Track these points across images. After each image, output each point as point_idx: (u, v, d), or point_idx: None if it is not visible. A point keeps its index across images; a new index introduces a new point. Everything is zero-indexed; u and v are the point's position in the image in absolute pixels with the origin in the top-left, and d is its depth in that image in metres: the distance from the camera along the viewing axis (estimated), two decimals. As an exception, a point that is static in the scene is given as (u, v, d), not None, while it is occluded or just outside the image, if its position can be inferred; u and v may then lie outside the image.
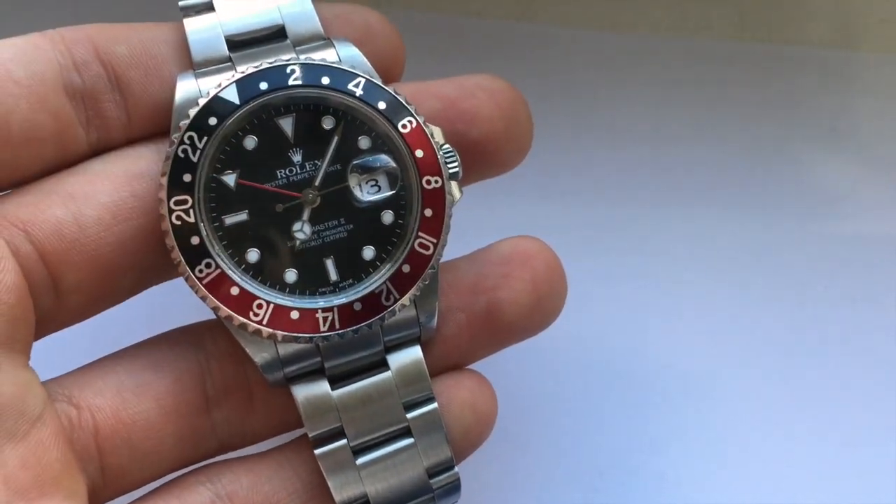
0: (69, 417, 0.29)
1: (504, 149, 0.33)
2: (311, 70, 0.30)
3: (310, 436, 0.30)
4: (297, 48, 0.31)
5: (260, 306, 0.29)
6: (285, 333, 0.29)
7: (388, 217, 0.31)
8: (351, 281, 0.30)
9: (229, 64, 0.31)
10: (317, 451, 0.30)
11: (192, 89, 0.30)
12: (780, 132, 0.48)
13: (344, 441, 0.31)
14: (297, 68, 0.30)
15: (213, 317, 0.30)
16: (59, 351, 0.31)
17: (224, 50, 0.31)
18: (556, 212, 0.46)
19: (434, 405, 0.31)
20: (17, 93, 0.29)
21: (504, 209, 0.39)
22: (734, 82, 0.49)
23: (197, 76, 0.30)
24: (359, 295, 0.30)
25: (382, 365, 0.31)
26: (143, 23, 0.32)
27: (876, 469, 0.40)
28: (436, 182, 0.31)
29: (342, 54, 0.31)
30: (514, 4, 0.51)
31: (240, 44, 0.31)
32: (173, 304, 0.33)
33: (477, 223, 0.35)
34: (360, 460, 0.31)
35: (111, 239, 0.29)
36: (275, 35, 0.32)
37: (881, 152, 0.48)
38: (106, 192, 0.29)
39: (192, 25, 0.31)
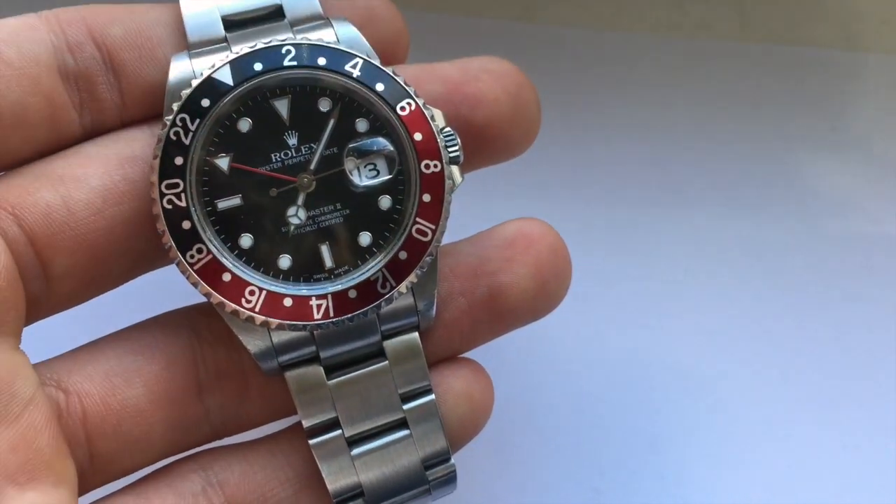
0: (57, 402, 0.29)
1: (510, 133, 0.32)
2: (307, 50, 0.30)
3: (304, 426, 0.30)
4: (295, 28, 0.31)
5: (252, 293, 0.29)
6: (278, 321, 0.29)
7: (385, 202, 0.30)
8: (346, 268, 0.30)
9: (225, 44, 0.30)
10: (311, 441, 0.30)
11: (185, 70, 0.30)
12: (781, 132, 0.48)
13: (339, 431, 0.30)
14: (292, 49, 0.30)
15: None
16: (53, 334, 0.31)
17: (220, 30, 0.31)
18: (555, 211, 0.45)
19: (431, 397, 0.31)
20: (9, 75, 0.28)
21: (502, 208, 0.39)
22: (734, 82, 0.49)
23: (191, 56, 0.30)
24: (354, 282, 0.29)
25: (379, 354, 0.31)
26: (138, 4, 0.31)
27: (876, 469, 0.40)
28: (435, 167, 0.30)
29: (340, 34, 0.31)
30: (514, 4, 0.51)
31: (237, 23, 0.31)
32: (169, 286, 0.32)
33: (475, 217, 0.35)
34: (355, 451, 0.30)
35: (102, 223, 0.29)
36: (272, 14, 0.31)
37: (881, 152, 0.48)
38: (97, 175, 0.29)
39: (189, 4, 0.31)
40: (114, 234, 0.29)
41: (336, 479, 0.30)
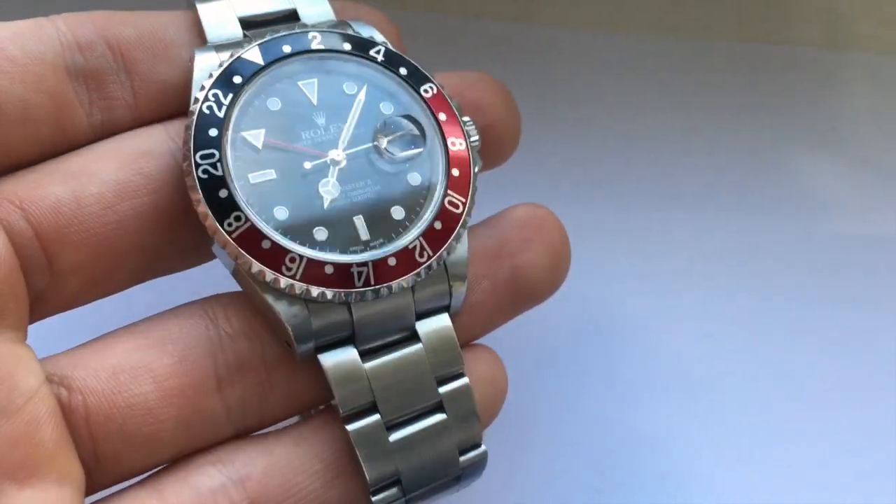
0: (60, 399, 0.28)
1: (503, 138, 0.34)
2: (333, 36, 0.31)
3: (342, 411, 0.29)
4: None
5: (293, 260, 0.28)
6: (320, 289, 0.28)
7: (414, 178, 0.31)
8: (382, 240, 0.30)
9: (247, 40, 0.31)
10: (349, 427, 0.29)
11: (212, 60, 0.30)
12: (780, 132, 0.48)
13: (377, 416, 0.29)
14: (318, 34, 0.31)
15: (227, 291, 0.30)
16: (66, 333, 0.30)
17: (239, 31, 0.31)
18: (555, 211, 0.46)
19: (465, 380, 0.31)
20: (12, 71, 0.28)
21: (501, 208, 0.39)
22: (733, 83, 0.49)
23: (217, 49, 0.30)
24: (393, 250, 0.29)
25: (412, 338, 0.31)
26: (152, 11, 0.31)
27: (876, 469, 0.40)
28: (460, 144, 0.31)
29: (359, 30, 0.32)
30: (513, 5, 0.51)
31: (253, 24, 0.32)
32: (187, 288, 0.32)
33: (477, 219, 0.35)
34: (393, 437, 0.30)
35: (113, 218, 0.29)
36: (288, 18, 0.32)
37: (881, 152, 0.48)
38: (110, 170, 0.29)
39: (206, 9, 0.31)
40: (125, 229, 0.29)
41: (375, 466, 0.29)
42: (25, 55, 0.28)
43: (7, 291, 0.27)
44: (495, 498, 0.39)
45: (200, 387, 0.29)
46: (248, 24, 0.32)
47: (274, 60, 0.30)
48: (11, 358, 0.27)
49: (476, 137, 0.32)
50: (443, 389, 0.30)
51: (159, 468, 0.29)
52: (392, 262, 0.29)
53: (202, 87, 0.29)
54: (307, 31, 0.31)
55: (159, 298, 0.32)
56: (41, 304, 0.29)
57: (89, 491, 0.28)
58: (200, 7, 0.31)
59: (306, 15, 0.32)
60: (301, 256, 0.28)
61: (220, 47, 0.30)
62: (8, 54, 0.28)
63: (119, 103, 0.30)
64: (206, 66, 0.30)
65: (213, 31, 0.31)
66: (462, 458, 0.31)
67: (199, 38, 0.31)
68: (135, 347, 0.29)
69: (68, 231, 0.28)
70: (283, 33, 0.31)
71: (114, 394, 0.28)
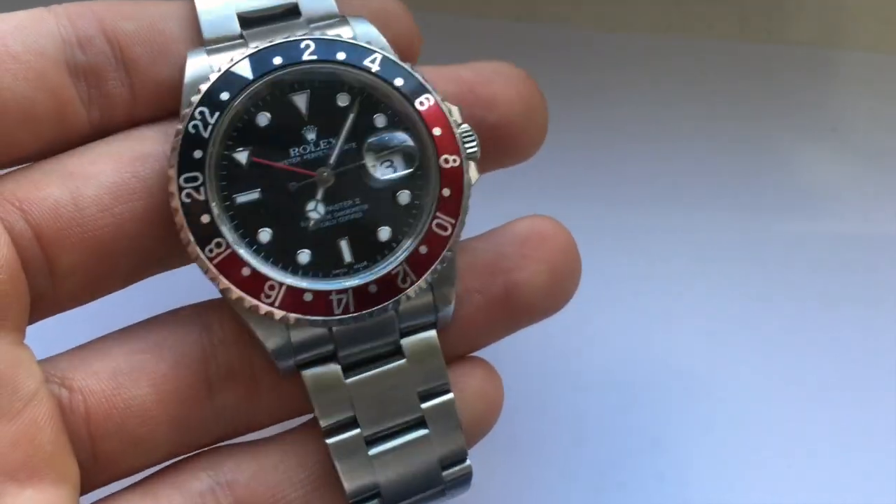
0: (60, 400, 0.28)
1: (521, 136, 0.32)
2: (326, 45, 0.30)
3: (322, 425, 0.29)
4: (311, 26, 0.31)
5: (272, 287, 0.28)
6: (298, 316, 0.28)
7: (404, 197, 0.30)
8: (366, 263, 0.29)
9: (242, 41, 0.30)
10: (329, 441, 0.29)
11: (203, 65, 0.29)
12: (780, 132, 0.48)
13: (357, 431, 0.30)
14: (311, 43, 0.30)
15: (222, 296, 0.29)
16: (63, 332, 0.30)
17: (236, 27, 0.30)
18: (555, 211, 0.46)
19: (450, 395, 0.30)
20: (14, 68, 0.28)
21: (501, 208, 0.39)
22: (734, 82, 0.49)
23: (208, 52, 0.30)
24: (374, 276, 0.29)
25: (397, 353, 0.30)
26: (151, 0, 0.31)
27: (876, 469, 0.40)
28: (454, 161, 0.30)
29: (358, 31, 0.31)
30: (514, 4, 0.51)
31: (252, 21, 0.31)
32: (182, 284, 0.32)
33: (477, 217, 0.35)
34: (373, 450, 0.30)
35: (110, 220, 0.29)
36: (288, 13, 0.31)
37: (881, 152, 0.48)
38: (107, 172, 0.29)
39: (203, 2, 0.31)
40: (122, 231, 0.29)
41: (353, 479, 0.29)
42: (27, 51, 0.28)
43: (11, 292, 0.27)
44: (495, 498, 0.39)
45: (194, 392, 0.29)
46: (247, 20, 0.31)
47: (264, 73, 0.29)
48: (13, 360, 0.27)
49: (475, 149, 0.30)
50: (426, 405, 0.30)
51: (151, 472, 0.30)
52: (373, 289, 0.29)
53: (190, 104, 0.29)
54: (300, 40, 0.30)
55: (157, 299, 0.32)
56: (39, 305, 0.29)
57: (84, 490, 0.29)
58: (198, 1, 0.31)
59: (307, 9, 0.31)
60: (280, 284, 0.28)
61: (212, 50, 0.30)
62: (10, 50, 0.28)
63: (117, 100, 0.30)
64: (197, 73, 0.29)
65: (210, 28, 0.30)
66: (445, 473, 0.31)
67: (198, 32, 0.31)
68: (133, 351, 0.29)
69: (67, 233, 0.28)
70: (277, 41, 0.30)
71: (114, 395, 0.28)
